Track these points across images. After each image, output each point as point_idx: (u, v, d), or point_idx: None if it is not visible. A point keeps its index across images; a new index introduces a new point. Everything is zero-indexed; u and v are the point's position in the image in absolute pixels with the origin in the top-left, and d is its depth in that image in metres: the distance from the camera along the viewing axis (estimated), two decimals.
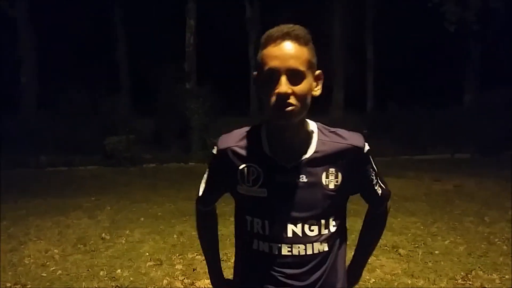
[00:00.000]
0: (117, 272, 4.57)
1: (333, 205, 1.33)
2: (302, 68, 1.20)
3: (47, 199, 8.09)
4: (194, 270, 4.52)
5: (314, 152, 1.31)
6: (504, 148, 12.89)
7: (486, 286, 3.97)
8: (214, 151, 1.40)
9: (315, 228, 1.31)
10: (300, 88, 1.20)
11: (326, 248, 1.33)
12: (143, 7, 18.56)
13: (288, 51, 1.19)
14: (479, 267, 4.42)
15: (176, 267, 4.64)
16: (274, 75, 1.19)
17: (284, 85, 1.17)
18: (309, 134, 1.34)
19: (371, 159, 1.40)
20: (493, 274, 4.23)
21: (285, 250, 1.30)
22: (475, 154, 13.22)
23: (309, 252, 1.31)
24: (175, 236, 5.75)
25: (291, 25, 1.23)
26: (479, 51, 16.65)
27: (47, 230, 6.15)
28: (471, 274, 4.25)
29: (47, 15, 16.77)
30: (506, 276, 4.18)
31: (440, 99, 15.05)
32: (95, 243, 5.56)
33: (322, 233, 1.32)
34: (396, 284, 4.08)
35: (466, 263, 4.55)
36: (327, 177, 1.31)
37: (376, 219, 1.58)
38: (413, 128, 14.60)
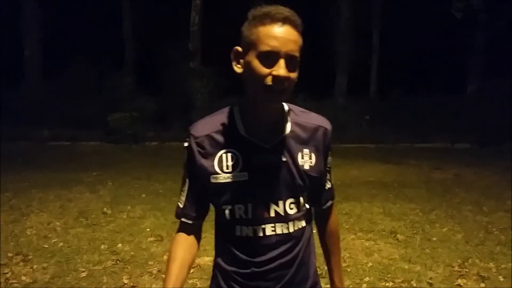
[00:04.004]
0: (118, 246, 4.63)
1: (308, 184, 1.35)
2: (297, 54, 1.21)
3: (49, 172, 8.15)
4: None
5: (290, 132, 1.33)
6: (505, 139, 12.89)
7: (483, 274, 4.01)
8: (189, 142, 1.34)
9: (294, 206, 1.33)
10: (294, 73, 1.21)
11: (303, 224, 1.38)
12: None
13: (289, 35, 1.19)
14: (476, 256, 4.46)
15: None
16: (272, 56, 1.18)
17: (283, 69, 1.17)
18: (283, 114, 1.35)
19: (331, 147, 1.44)
20: (490, 263, 4.28)
21: (269, 231, 1.31)
22: (475, 144, 13.22)
23: (291, 229, 1.34)
24: None
25: (287, 9, 1.22)
26: (484, 41, 16.52)
27: (49, 203, 6.22)
28: (468, 262, 4.29)
29: None
30: (503, 266, 4.22)
31: (443, 88, 14.99)
32: (97, 217, 5.62)
33: (301, 210, 1.36)
34: (393, 268, 4.14)
35: (463, 251, 4.60)
36: (302, 157, 1.33)
37: (328, 225, 1.55)
38: (414, 115, 14.59)
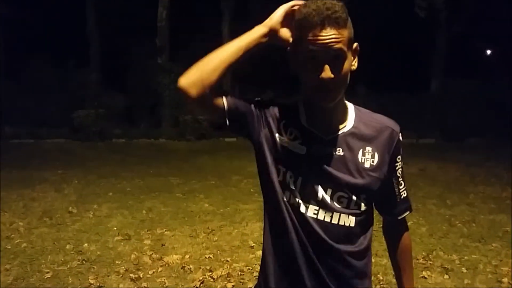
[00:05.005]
0: (84, 246, 4.53)
1: (366, 185, 1.30)
2: (343, 49, 1.17)
3: (12, 171, 7.91)
4: (162, 245, 4.52)
5: (352, 127, 1.31)
6: (467, 134, 13.31)
7: (446, 266, 4.12)
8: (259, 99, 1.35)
9: (344, 200, 1.28)
10: (342, 71, 1.18)
11: (352, 224, 1.30)
12: None
13: (329, 37, 1.14)
14: (440, 248, 4.59)
15: (145, 242, 4.63)
16: (315, 60, 1.16)
17: (327, 71, 1.15)
18: (346, 110, 1.33)
19: (401, 152, 1.37)
20: (453, 255, 4.40)
21: (311, 212, 1.27)
22: (439, 139, 13.57)
23: (335, 221, 1.28)
24: (144, 211, 5.73)
25: (327, 5, 1.15)
26: (446, 40, 16.92)
27: (12, 202, 6.04)
28: (432, 254, 4.40)
29: None
30: (466, 257, 4.35)
31: (407, 85, 15.30)
32: (62, 216, 5.49)
33: (351, 208, 1.29)
34: None
35: (427, 244, 4.72)
36: (363, 155, 1.30)
37: (402, 238, 1.49)
38: (379, 112, 14.77)
